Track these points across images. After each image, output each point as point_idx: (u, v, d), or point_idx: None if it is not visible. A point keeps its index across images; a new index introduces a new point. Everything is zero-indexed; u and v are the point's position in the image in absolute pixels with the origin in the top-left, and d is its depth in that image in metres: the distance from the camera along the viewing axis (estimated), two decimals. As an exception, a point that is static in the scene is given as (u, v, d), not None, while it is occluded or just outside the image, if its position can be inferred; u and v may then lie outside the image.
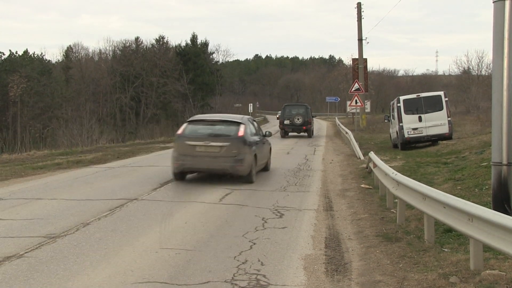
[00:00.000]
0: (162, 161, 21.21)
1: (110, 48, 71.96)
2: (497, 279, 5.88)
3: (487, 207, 7.23)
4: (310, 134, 37.37)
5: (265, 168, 17.38)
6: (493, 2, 8.50)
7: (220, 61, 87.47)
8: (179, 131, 15.26)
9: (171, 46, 72.99)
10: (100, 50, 73.51)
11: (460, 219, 6.68)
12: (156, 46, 70.62)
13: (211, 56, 78.93)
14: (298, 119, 36.50)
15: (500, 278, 5.90)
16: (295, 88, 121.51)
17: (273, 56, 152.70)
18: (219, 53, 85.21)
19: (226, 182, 14.82)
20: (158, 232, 8.92)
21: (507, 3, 8.29)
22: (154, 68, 65.24)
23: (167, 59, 67.63)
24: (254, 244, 8.23)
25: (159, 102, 65.77)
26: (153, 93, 64.62)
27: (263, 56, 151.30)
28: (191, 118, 16.30)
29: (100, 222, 9.63)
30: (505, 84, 8.34)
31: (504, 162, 8.32)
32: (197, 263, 7.18)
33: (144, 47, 70.63)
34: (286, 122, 37.03)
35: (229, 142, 14.35)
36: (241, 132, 14.63)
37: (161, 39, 71.12)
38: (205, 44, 75.99)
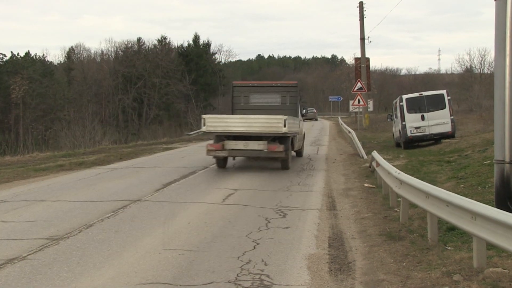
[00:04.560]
0: (165, 162, 21.26)
1: (112, 49, 72.09)
2: (500, 276, 5.89)
3: (490, 205, 7.21)
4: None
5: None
6: (495, 1, 8.50)
7: (223, 61, 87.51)
8: None
9: (173, 47, 73.13)
10: (102, 51, 73.64)
11: (463, 217, 6.69)
12: (158, 46, 70.72)
13: (213, 57, 79.03)
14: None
15: (503, 275, 5.91)
16: (298, 88, 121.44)
17: (276, 56, 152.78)
18: (221, 53, 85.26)
19: (228, 183, 14.86)
20: (161, 233, 8.94)
21: (509, 2, 8.29)
22: (156, 69, 65.32)
23: (169, 60, 67.71)
24: (258, 244, 8.24)
25: (161, 103, 65.86)
26: (155, 94, 64.70)
27: (266, 56, 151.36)
28: None
29: (103, 224, 9.66)
30: (507, 82, 8.33)
31: (507, 160, 8.32)
32: (200, 264, 7.20)
33: (146, 48, 70.76)
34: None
35: None
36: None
37: (163, 40, 71.24)
38: (208, 45, 76.08)
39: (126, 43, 70.03)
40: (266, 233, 8.98)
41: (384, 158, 14.53)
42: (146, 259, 7.43)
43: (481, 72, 70.59)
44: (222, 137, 17.22)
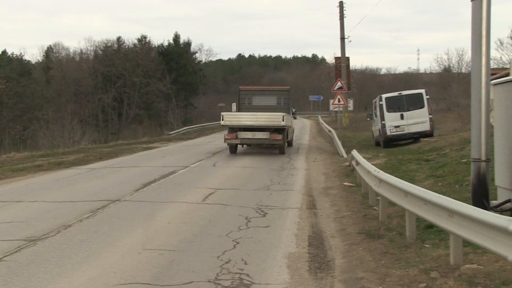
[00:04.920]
0: (145, 161, 21.16)
1: (92, 48, 71.33)
2: (476, 273, 5.99)
3: (467, 203, 7.31)
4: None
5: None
6: (471, 1, 8.61)
7: (203, 61, 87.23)
8: None
9: (153, 46, 72.66)
10: (81, 50, 72.76)
11: (441, 215, 6.77)
12: (138, 46, 70.22)
13: (194, 56, 78.74)
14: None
15: (478, 271, 6.00)
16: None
17: (256, 55, 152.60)
18: (202, 52, 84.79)
19: (209, 182, 14.86)
20: (140, 233, 8.90)
21: (485, 2, 8.41)
22: (136, 68, 64.86)
23: (150, 59, 67.28)
24: (238, 243, 8.25)
25: (141, 103, 65.40)
26: (135, 93, 64.26)
27: (246, 55, 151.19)
28: None
29: (82, 224, 9.58)
30: (483, 81, 8.45)
31: (483, 158, 8.44)
32: (180, 264, 7.18)
33: (126, 47, 70.17)
34: None
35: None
36: None
37: (143, 39, 70.76)
38: (188, 44, 75.77)
39: (105, 42, 69.38)
40: (246, 232, 8.99)
41: (364, 157, 14.64)
42: (126, 259, 7.39)
43: (459, 71, 71.40)
44: (235, 129, 22.57)
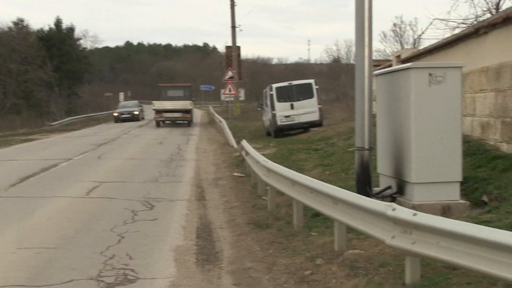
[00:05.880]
0: (23, 154, 20.13)
1: (-40, 31, 66.31)
2: (357, 257, 6.29)
3: (352, 191, 7.66)
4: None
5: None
6: (355, -7, 8.97)
7: (88, 48, 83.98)
8: None
9: (32, 31, 68.91)
10: None
11: (326, 203, 7.04)
12: (14, 29, 66.28)
13: (77, 42, 75.63)
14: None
15: (360, 256, 6.32)
16: (169, 76, 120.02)
17: (145, 43, 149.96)
18: (86, 39, 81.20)
19: (93, 175, 14.43)
20: (15, 231, 8.45)
21: (367, -6, 8.79)
22: (12, 53, 61.22)
23: (28, 45, 63.75)
24: (123, 238, 8.10)
25: (19, 91, 61.85)
26: (12, 81, 60.70)
27: (135, 43, 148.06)
28: None
29: (-51, 223, 8.94)
30: (366, 72, 8.85)
31: (366, 147, 8.86)
32: (59, 262, 6.92)
33: (0, 30, 66.02)
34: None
35: None
36: None
37: (20, 22, 66.90)
38: (71, 29, 72.63)
39: (-26, 23, 64.74)
40: (132, 226, 8.86)
41: (254, 147, 14.89)
42: (-2, 260, 6.99)
43: (347, 62, 74.32)
44: (161, 111, 36.78)
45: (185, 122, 37.48)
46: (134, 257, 7.16)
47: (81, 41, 77.73)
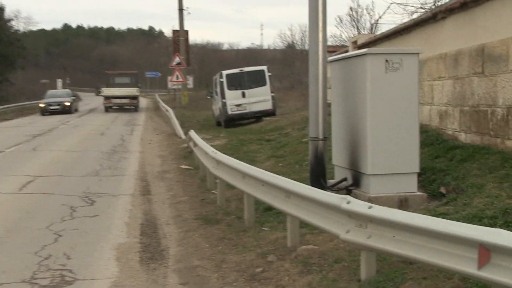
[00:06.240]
0: None
1: None
2: (311, 253, 6.36)
3: (306, 183, 7.74)
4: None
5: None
6: (308, -26, 9.00)
7: (22, 30, 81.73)
8: None
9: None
10: None
11: (278, 196, 7.07)
12: None
13: (8, 24, 73.45)
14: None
15: (314, 252, 6.39)
16: (111, 62, 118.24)
17: (85, 26, 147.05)
18: (19, 20, 78.99)
19: (28, 168, 14.10)
20: None
21: (321, -24, 8.84)
22: None
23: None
24: (60, 236, 7.97)
25: None
26: None
27: (74, 26, 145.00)
28: None
29: None
30: (320, 58, 8.91)
31: (320, 137, 8.93)
32: (-12, 264, 6.72)
33: None
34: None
35: None
36: None
37: None
38: (1, 9, 70.48)
39: None
40: (70, 223, 8.73)
41: (203, 138, 14.85)
42: None
43: (302, 48, 74.77)
44: (110, 97, 41.41)
45: (132, 107, 42.43)
46: (72, 256, 7.05)
47: (13, 23, 75.48)
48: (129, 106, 42.32)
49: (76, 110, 42.42)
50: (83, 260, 6.93)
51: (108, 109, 41.87)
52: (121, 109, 42.40)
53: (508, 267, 3.86)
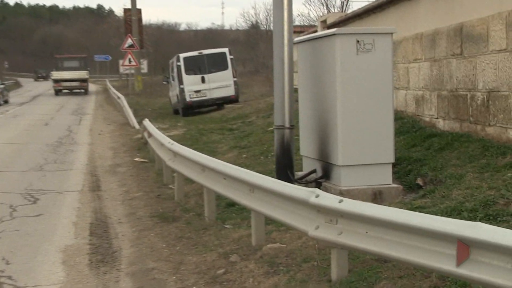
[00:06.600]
0: None
1: None
2: (278, 252, 6.38)
3: (272, 176, 7.75)
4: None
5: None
6: None
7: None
8: None
9: None
10: None
11: (242, 190, 7.07)
12: None
13: None
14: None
15: (281, 251, 6.41)
16: (56, 44, 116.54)
17: (25, 3, 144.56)
18: None
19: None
20: None
21: None
22: None
23: None
24: (-1, 239, 7.85)
25: None
26: None
27: (11, 3, 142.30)
28: None
29: None
30: (285, 38, 8.90)
31: (287, 125, 8.94)
32: None
33: None
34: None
35: None
36: None
37: None
38: None
39: None
40: (10, 224, 8.64)
41: (159, 128, 14.81)
42: None
43: (267, 28, 74.81)
44: (60, 81, 46.46)
45: (82, 90, 47.22)
46: (12, 261, 6.97)
47: None
48: (79, 89, 47.17)
49: (6, 102, 37.91)
50: (25, 264, 6.86)
51: (58, 92, 46.87)
52: (68, 95, 46.47)
53: (488, 263, 3.92)
